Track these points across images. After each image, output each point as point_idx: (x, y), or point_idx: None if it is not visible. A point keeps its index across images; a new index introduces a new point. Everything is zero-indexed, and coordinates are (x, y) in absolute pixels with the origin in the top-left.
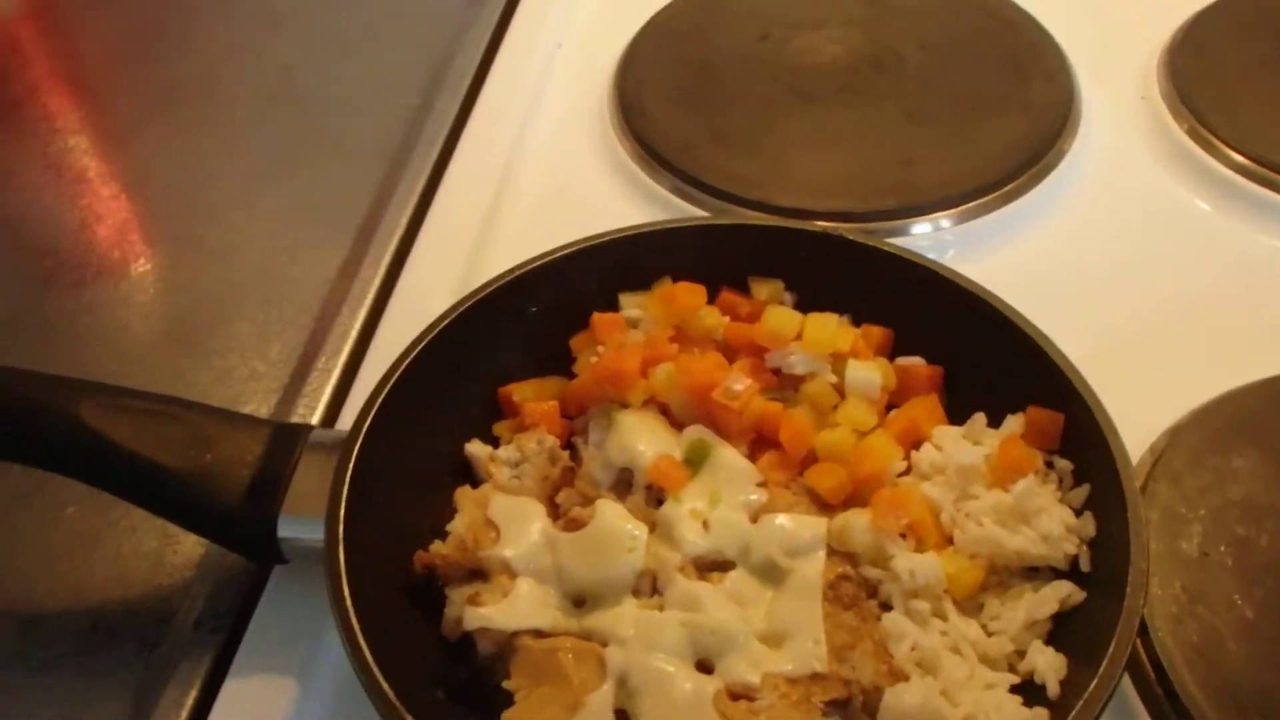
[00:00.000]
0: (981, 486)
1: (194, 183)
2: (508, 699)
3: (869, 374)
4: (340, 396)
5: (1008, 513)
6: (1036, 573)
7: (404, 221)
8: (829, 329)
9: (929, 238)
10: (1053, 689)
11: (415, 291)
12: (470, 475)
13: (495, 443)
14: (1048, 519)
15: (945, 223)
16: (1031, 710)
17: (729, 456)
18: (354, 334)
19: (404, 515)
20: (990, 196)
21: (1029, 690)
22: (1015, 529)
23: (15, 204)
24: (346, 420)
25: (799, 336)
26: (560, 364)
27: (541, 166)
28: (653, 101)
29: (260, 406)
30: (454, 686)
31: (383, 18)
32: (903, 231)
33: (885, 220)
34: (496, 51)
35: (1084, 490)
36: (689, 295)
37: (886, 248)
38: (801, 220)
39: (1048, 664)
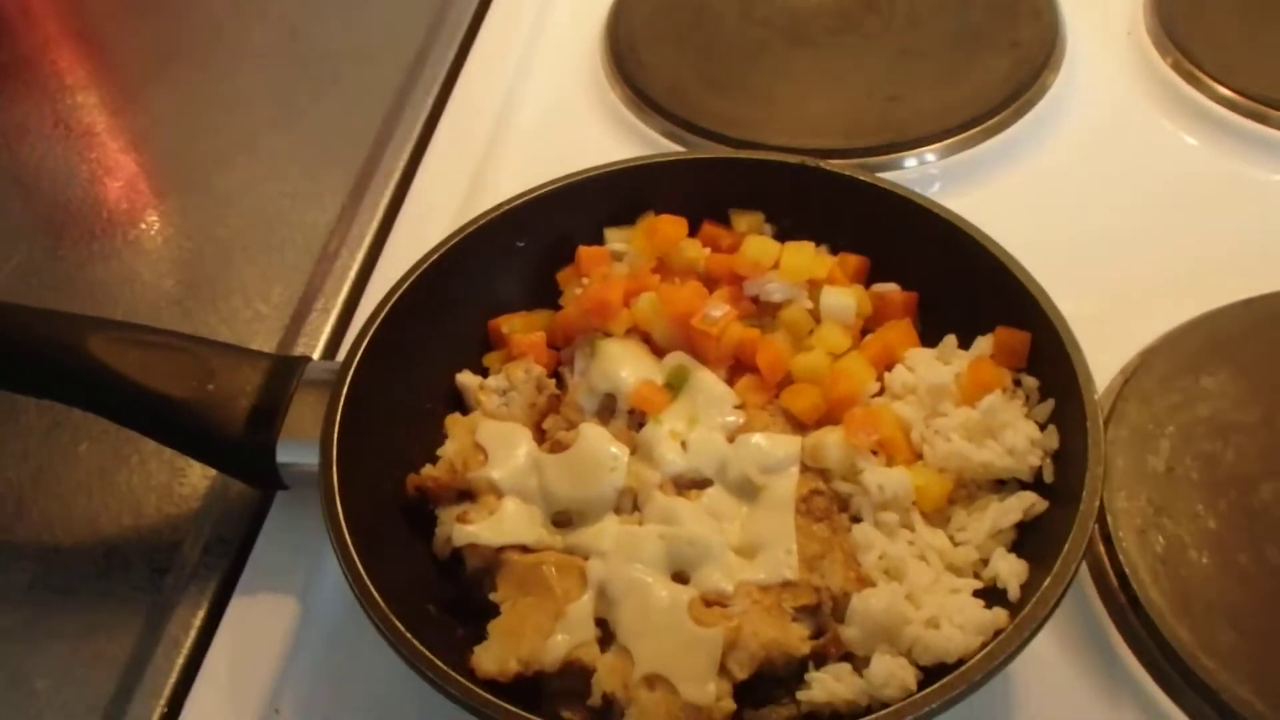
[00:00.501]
0: (951, 404)
1: (199, 134)
2: (494, 611)
3: (844, 299)
4: (338, 334)
5: (975, 428)
6: (1003, 485)
7: (400, 166)
8: (805, 257)
9: (916, 172)
10: (1013, 592)
11: (411, 234)
12: (461, 404)
13: (485, 373)
14: (1013, 433)
15: (931, 157)
16: (991, 611)
17: (708, 380)
18: (352, 275)
19: (396, 440)
20: (974, 131)
21: (992, 595)
22: (982, 443)
23: (28, 160)
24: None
25: (777, 265)
26: (548, 297)
27: (534, 111)
28: (645, 46)
29: (263, 346)
30: (444, 601)
31: None
32: (892, 166)
33: (872, 156)
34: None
35: (1049, 405)
36: (671, 227)
37: (862, 177)
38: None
39: (1009, 569)
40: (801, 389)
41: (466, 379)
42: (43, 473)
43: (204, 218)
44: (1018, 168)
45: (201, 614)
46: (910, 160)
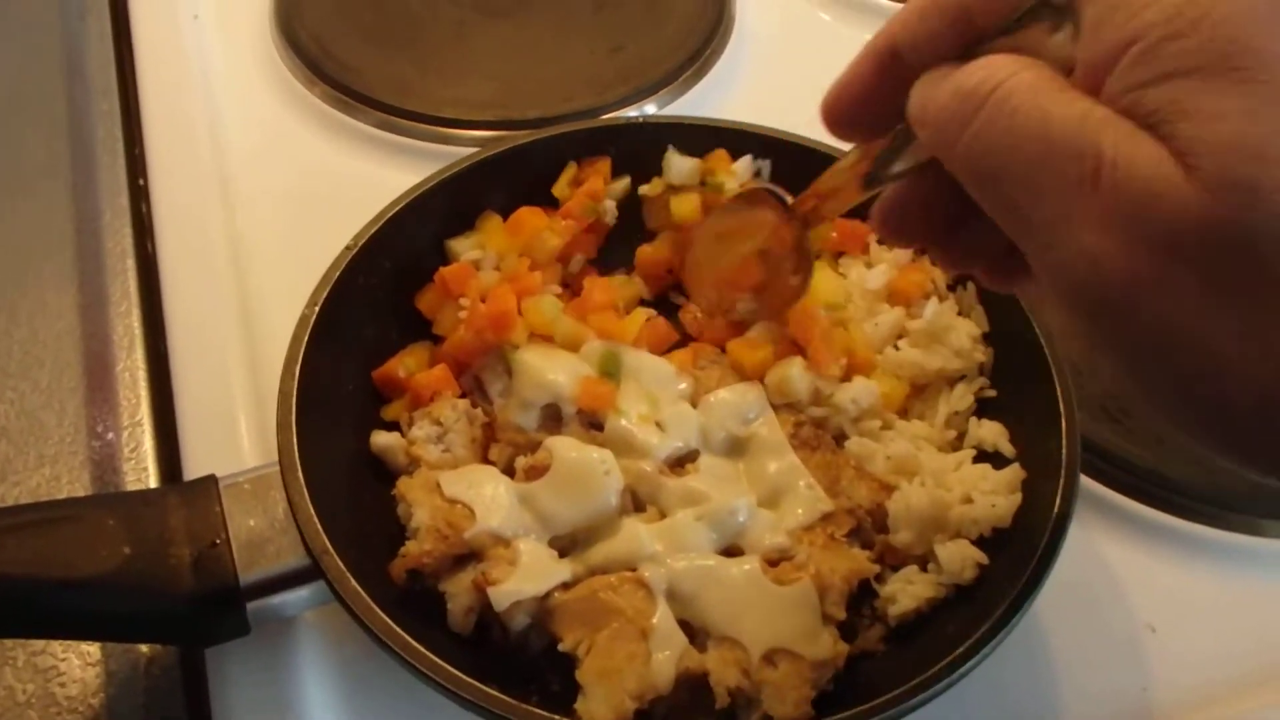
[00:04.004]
0: (885, 307)
1: None
2: (554, 663)
3: None
4: (170, 450)
5: (921, 335)
6: None
7: (129, 246)
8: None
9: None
10: (1007, 449)
11: (191, 316)
12: (383, 470)
13: (391, 428)
14: (957, 335)
15: (669, 97)
16: (1007, 469)
17: (641, 358)
18: (142, 381)
19: (361, 524)
20: (697, 65)
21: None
22: (931, 349)
23: None
24: (195, 472)
25: None
26: (413, 329)
27: (247, 150)
28: (340, 49)
29: (74, 491)
30: (500, 678)
31: None
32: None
33: (624, 106)
34: (127, 42)
35: (972, 290)
36: (535, 219)
37: (699, 122)
38: (557, 125)
39: (990, 432)
40: (748, 343)
41: (385, 439)
42: None
43: None
44: (743, 80)
45: None
46: (651, 106)
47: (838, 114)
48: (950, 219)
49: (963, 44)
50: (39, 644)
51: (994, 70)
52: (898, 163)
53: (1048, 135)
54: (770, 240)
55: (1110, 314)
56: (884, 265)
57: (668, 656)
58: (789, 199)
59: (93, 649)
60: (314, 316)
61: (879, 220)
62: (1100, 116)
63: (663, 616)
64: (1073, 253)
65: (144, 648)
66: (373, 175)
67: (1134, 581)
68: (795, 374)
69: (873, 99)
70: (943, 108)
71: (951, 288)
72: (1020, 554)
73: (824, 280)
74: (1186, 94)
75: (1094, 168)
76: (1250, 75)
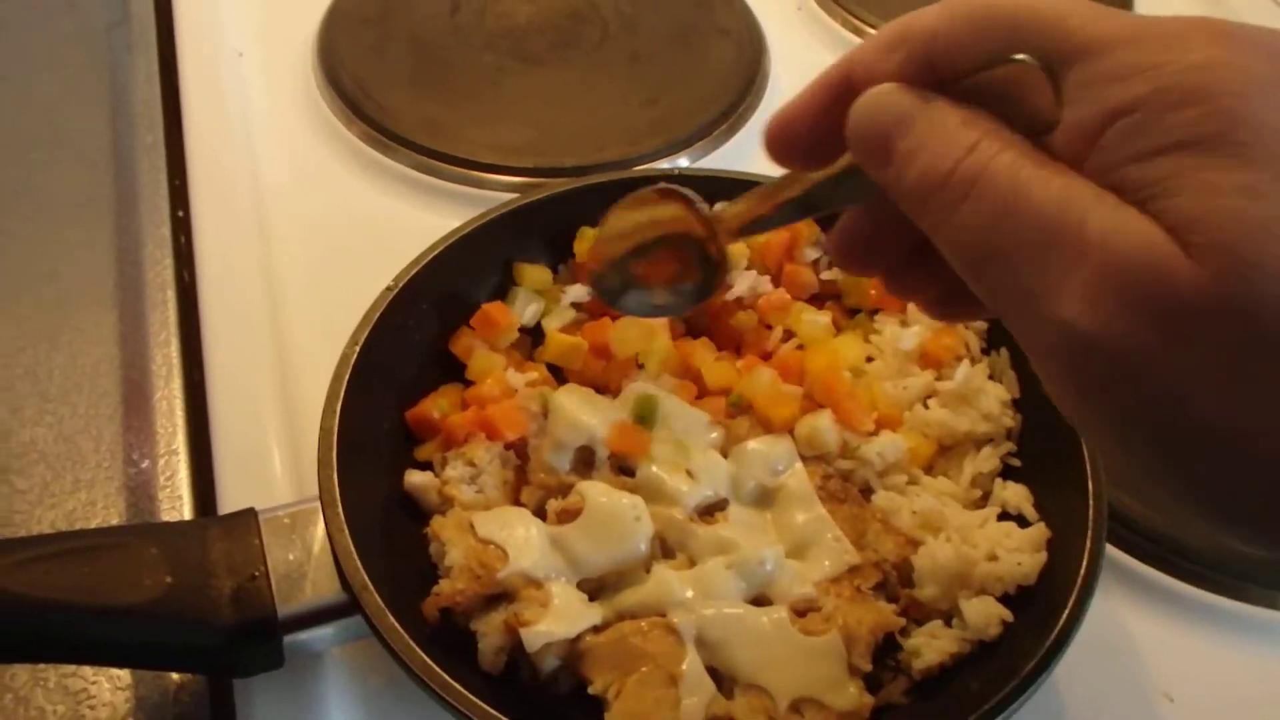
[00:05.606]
0: (916, 368)
1: None
2: (591, 705)
3: None
4: (204, 480)
5: (951, 397)
6: None
7: (169, 277)
8: None
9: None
10: (1030, 514)
11: (228, 349)
12: (414, 509)
13: (424, 468)
14: (986, 399)
15: (702, 151)
16: (1032, 528)
17: (676, 405)
18: (179, 411)
19: (395, 561)
20: (730, 120)
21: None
22: (960, 411)
23: None
24: (230, 503)
25: None
26: (443, 371)
27: (285, 185)
28: (379, 90)
29: (109, 517)
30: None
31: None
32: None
33: (657, 158)
34: (172, 76)
35: (1004, 356)
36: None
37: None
38: (593, 175)
39: (1015, 494)
40: (774, 399)
41: (419, 479)
42: None
43: None
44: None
45: None
46: (683, 159)
47: (781, 141)
48: (903, 252)
49: (925, 85)
50: (70, 666)
51: (979, 156)
52: (838, 197)
53: (1030, 217)
54: (679, 236)
55: (1103, 383)
56: (919, 327)
57: (696, 702)
58: (701, 202)
59: (123, 673)
60: (355, 356)
61: (835, 249)
62: (1080, 192)
63: (692, 663)
64: (1060, 326)
65: (174, 674)
66: (407, 216)
67: (1153, 649)
68: (825, 425)
69: (821, 130)
70: (924, 193)
71: (985, 351)
72: (1044, 613)
73: (848, 344)
74: (1185, 168)
75: (1078, 245)
76: (1249, 150)
